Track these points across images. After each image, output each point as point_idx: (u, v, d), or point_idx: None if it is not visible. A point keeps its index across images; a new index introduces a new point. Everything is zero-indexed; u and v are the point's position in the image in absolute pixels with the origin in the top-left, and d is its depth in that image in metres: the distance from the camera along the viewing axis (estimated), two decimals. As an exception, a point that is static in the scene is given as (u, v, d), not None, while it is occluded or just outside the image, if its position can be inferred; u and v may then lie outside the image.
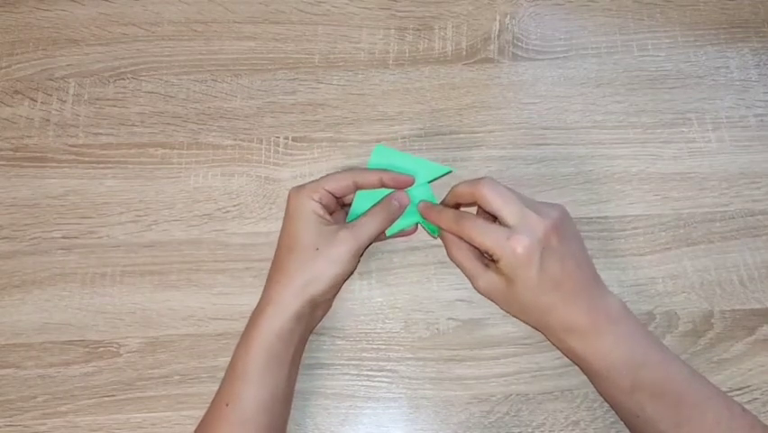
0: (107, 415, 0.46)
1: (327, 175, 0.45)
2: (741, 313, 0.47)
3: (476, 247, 0.43)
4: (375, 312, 0.48)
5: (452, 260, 0.46)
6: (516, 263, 0.40)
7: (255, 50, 0.55)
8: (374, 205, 0.45)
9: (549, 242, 0.40)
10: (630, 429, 0.43)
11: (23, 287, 0.49)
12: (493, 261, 0.42)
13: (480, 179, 0.43)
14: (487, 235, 0.41)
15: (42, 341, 0.47)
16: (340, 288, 0.45)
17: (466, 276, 0.45)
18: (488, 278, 0.43)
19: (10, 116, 0.53)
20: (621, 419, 0.43)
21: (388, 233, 0.46)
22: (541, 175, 0.51)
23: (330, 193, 0.44)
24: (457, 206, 0.46)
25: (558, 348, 0.44)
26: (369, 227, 0.44)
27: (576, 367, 0.46)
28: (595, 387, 0.44)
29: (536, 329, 0.44)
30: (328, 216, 0.44)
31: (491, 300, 0.45)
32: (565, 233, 0.42)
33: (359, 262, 0.45)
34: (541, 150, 0.51)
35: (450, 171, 0.48)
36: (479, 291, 0.44)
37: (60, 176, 0.51)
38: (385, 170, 0.46)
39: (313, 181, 0.45)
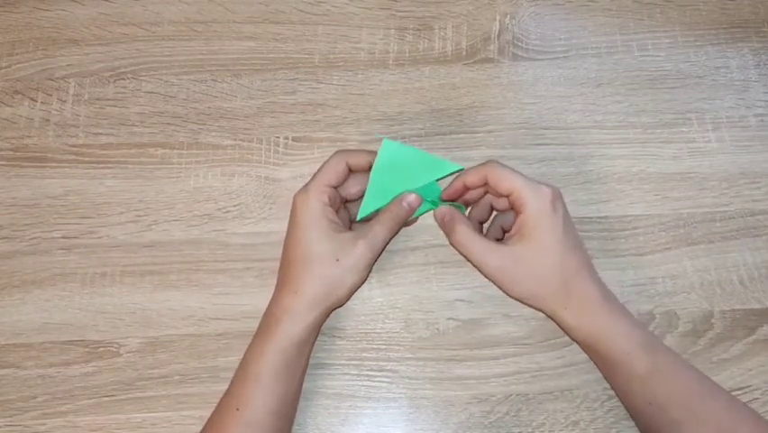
0: (107, 415, 0.46)
1: (322, 168, 0.44)
2: (741, 313, 0.47)
3: (498, 194, 0.43)
4: (375, 312, 0.48)
5: (456, 245, 0.44)
6: (543, 211, 0.41)
7: (255, 50, 0.55)
8: (383, 208, 0.45)
9: (563, 201, 0.42)
10: (639, 420, 0.42)
11: (23, 287, 0.49)
12: (509, 233, 0.43)
13: (484, 162, 0.44)
14: (516, 176, 0.42)
15: (42, 341, 0.47)
16: (353, 295, 0.45)
17: (473, 258, 0.43)
18: (502, 251, 0.42)
19: (10, 116, 0.53)
20: (630, 410, 0.43)
21: None
22: (541, 175, 0.50)
23: (333, 188, 0.44)
24: (464, 191, 0.45)
25: (572, 332, 0.42)
26: (382, 233, 0.43)
27: (576, 367, 0.46)
28: (607, 375, 0.43)
29: (549, 311, 0.42)
30: (338, 221, 0.44)
31: (503, 279, 0.42)
32: None
33: (372, 268, 0.45)
34: (541, 150, 0.51)
35: (461, 169, 0.46)
36: (490, 272, 0.42)
37: (60, 176, 0.51)
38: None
39: (313, 181, 0.44)
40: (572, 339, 0.44)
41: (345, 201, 0.47)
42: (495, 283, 0.43)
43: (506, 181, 0.42)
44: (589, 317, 0.41)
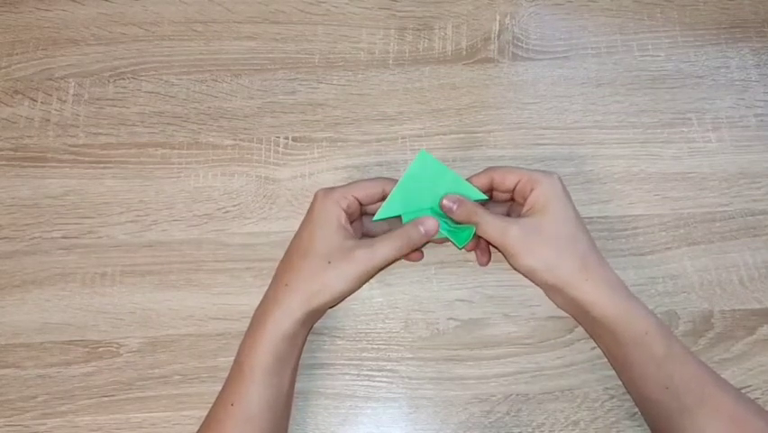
0: (107, 415, 0.46)
1: (357, 181, 0.45)
2: (741, 313, 0.47)
3: (506, 189, 0.45)
4: (375, 312, 0.48)
5: (477, 226, 0.43)
6: (555, 189, 0.43)
7: (255, 50, 0.55)
8: (398, 228, 0.43)
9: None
10: (650, 409, 0.42)
11: (23, 287, 0.49)
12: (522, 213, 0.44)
13: (487, 168, 0.45)
14: (521, 168, 0.44)
15: (42, 341, 0.47)
16: (342, 301, 0.45)
17: (493, 233, 0.42)
18: (521, 221, 0.42)
19: (10, 116, 0.53)
20: (641, 400, 0.42)
21: None
22: (541, 175, 0.50)
23: (357, 200, 0.44)
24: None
25: (592, 308, 0.41)
26: (386, 251, 0.42)
27: (576, 367, 0.46)
28: (622, 359, 0.42)
29: (567, 286, 0.41)
30: (350, 229, 0.43)
31: (523, 248, 0.41)
32: None
33: (367, 282, 0.44)
34: (541, 150, 0.51)
35: (486, 199, 0.45)
36: (510, 242, 0.42)
37: (60, 176, 0.51)
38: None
39: (342, 186, 0.44)
40: (585, 321, 0.43)
41: (363, 214, 0.46)
42: (510, 255, 0.42)
43: (512, 173, 0.44)
44: (609, 294, 0.41)
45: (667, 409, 0.40)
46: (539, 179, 0.43)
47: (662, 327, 0.41)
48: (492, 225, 0.43)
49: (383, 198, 0.45)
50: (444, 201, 0.44)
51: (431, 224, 0.43)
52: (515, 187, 0.44)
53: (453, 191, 0.44)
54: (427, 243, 0.46)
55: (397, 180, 0.44)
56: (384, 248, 0.42)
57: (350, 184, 0.44)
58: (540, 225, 0.42)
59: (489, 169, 0.45)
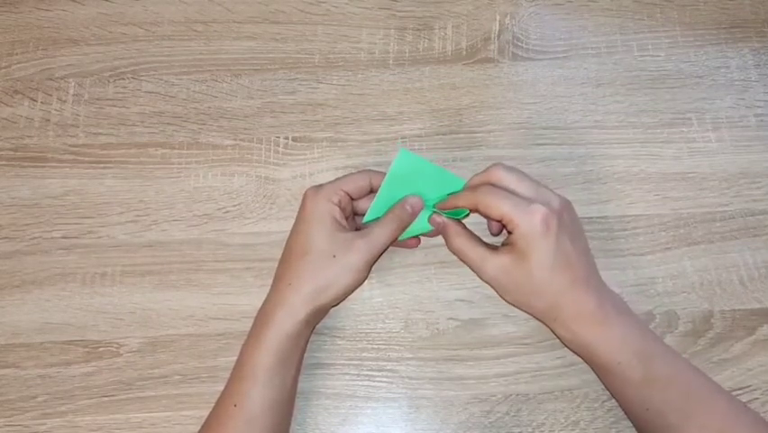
0: (107, 415, 0.46)
1: (344, 176, 0.45)
2: (741, 313, 0.47)
3: (491, 219, 0.43)
4: (375, 312, 0.48)
5: (453, 250, 0.44)
6: (533, 232, 0.40)
7: (255, 50, 0.55)
8: (387, 211, 0.45)
9: (562, 217, 0.41)
10: (637, 424, 0.43)
11: (23, 287, 0.49)
12: (505, 241, 0.43)
13: (476, 187, 0.43)
14: (505, 202, 0.41)
15: (42, 341, 0.47)
16: (349, 295, 0.45)
17: (470, 265, 0.43)
18: (496, 260, 0.42)
19: (10, 116, 0.53)
20: (628, 414, 0.43)
21: (399, 237, 0.45)
22: (541, 175, 0.50)
23: (347, 195, 0.44)
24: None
25: (564, 341, 0.43)
26: (382, 236, 0.43)
27: (576, 367, 0.46)
28: (603, 381, 0.43)
29: (542, 320, 0.43)
30: (345, 222, 0.44)
31: (497, 287, 0.43)
32: (573, 215, 0.43)
33: (370, 270, 0.45)
34: (541, 150, 0.51)
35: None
36: (485, 278, 0.43)
37: (60, 176, 0.51)
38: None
39: (331, 183, 0.44)
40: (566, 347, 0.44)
41: (356, 213, 0.47)
42: (491, 287, 0.44)
43: (495, 209, 0.41)
44: (580, 329, 0.41)
45: (653, 426, 0.40)
46: (517, 225, 0.40)
47: (642, 351, 0.40)
48: (470, 261, 0.43)
49: (371, 191, 0.45)
50: (432, 221, 0.45)
51: (415, 201, 0.44)
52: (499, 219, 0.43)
53: (437, 183, 0.45)
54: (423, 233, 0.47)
55: (384, 172, 0.45)
56: (380, 234, 0.43)
57: (337, 180, 0.45)
58: (513, 270, 0.41)
59: (476, 191, 0.42)
